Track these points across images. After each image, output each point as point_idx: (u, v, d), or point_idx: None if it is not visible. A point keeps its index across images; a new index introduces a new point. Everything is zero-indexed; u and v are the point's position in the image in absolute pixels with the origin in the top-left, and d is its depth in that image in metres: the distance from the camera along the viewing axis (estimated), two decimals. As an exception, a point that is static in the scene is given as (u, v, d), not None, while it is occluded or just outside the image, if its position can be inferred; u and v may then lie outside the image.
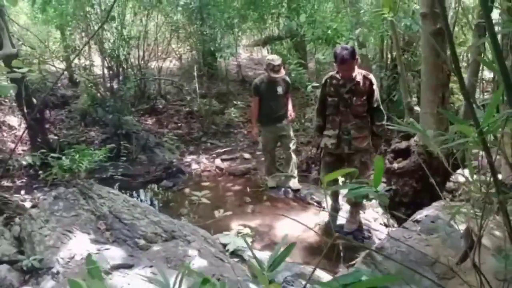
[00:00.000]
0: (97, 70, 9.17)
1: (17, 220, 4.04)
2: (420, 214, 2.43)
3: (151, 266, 3.29)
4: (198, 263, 3.41)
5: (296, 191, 5.51)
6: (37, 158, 5.52)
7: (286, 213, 5.01)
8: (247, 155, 7.19)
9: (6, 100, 8.14)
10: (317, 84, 6.46)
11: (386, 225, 4.28)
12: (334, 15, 9.72)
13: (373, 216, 4.55)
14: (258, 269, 1.01)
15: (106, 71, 8.08)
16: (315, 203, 5.27)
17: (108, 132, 7.49)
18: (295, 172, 5.62)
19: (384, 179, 4.52)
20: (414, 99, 6.17)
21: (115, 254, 3.36)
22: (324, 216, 4.69)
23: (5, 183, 6.45)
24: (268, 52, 12.21)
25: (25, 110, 6.69)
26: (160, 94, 9.83)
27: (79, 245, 3.42)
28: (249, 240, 4.35)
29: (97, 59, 9.25)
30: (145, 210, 4.01)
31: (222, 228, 4.52)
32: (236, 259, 4.01)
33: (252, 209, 5.28)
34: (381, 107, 3.91)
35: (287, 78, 5.48)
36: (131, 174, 6.37)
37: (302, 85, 7.03)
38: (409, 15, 5.40)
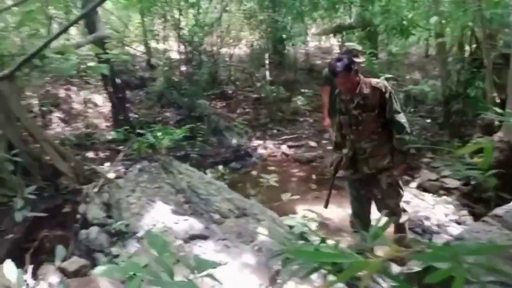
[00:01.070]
0: (173, 55, 9.65)
1: (105, 188, 4.48)
2: (501, 210, 2.39)
3: (224, 239, 3.53)
4: (268, 241, 3.59)
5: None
6: (121, 134, 5.99)
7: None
8: (313, 143, 7.26)
9: (93, 79, 8.86)
10: (390, 76, 6.34)
11: (458, 223, 4.17)
12: (410, 5, 9.35)
13: (444, 212, 4.45)
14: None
15: (181, 56, 8.51)
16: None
17: (182, 113, 7.92)
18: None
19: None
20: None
21: (192, 225, 3.64)
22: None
23: (90, 155, 7.09)
24: (338, 41, 12.05)
25: (110, 89, 7.29)
26: (230, 80, 10.14)
27: (161, 214, 3.74)
28: (314, 225, 4.46)
29: (173, 44, 9.73)
30: (220, 187, 4.25)
31: (288, 211, 4.66)
32: (302, 242, 4.13)
33: (317, 195, 5.37)
34: (399, 117, 3.20)
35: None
36: (203, 154, 6.72)
37: (374, 76, 6.91)
38: (498, 7, 5.09)
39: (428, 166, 5.66)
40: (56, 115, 7.79)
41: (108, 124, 8.06)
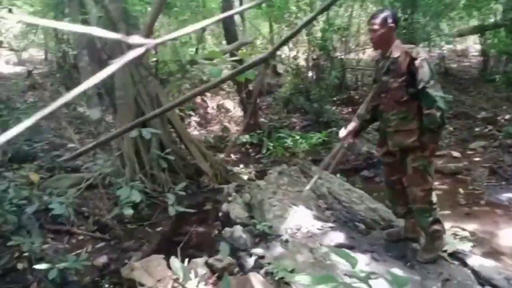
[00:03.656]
0: (300, 61, 9.71)
1: (246, 188, 4.61)
2: None
3: (372, 252, 3.31)
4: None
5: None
6: (255, 138, 6.16)
7: (509, 222, 4.41)
8: (456, 153, 6.55)
9: (226, 85, 9.37)
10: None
11: None
12: None
13: None
14: None
15: (308, 62, 8.49)
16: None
17: (308, 119, 7.87)
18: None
19: None
20: None
21: (337, 233, 3.50)
22: None
23: (222, 157, 7.46)
24: (475, 43, 10.82)
25: (243, 95, 7.60)
26: (357, 85, 9.82)
27: (304, 218, 3.68)
28: (468, 244, 3.98)
29: (300, 50, 9.79)
30: (361, 196, 4.04)
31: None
32: (455, 262, 3.70)
33: (467, 211, 4.80)
34: (432, 90, 2.73)
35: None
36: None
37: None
38: None
39: None
40: (194, 119, 8.42)
41: (238, 128, 8.43)
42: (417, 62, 2.79)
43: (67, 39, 9.62)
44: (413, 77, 2.81)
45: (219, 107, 9.05)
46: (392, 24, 2.90)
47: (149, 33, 4.97)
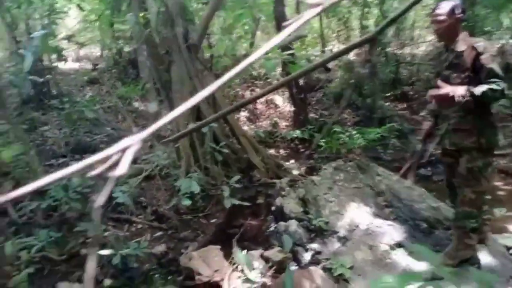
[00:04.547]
0: (351, 56, 9.49)
1: (300, 183, 4.57)
2: None
3: (436, 252, 3.17)
4: (487, 260, 3.10)
5: None
6: (306, 133, 6.10)
7: None
8: (521, 153, 6.15)
9: (275, 80, 9.34)
10: None
11: None
12: None
13: None
14: None
15: (359, 57, 8.28)
16: None
17: (360, 115, 7.68)
18: None
19: None
20: None
21: (397, 231, 3.39)
22: None
23: (272, 152, 7.45)
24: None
25: (294, 90, 7.54)
26: (412, 81, 9.46)
27: (362, 215, 3.59)
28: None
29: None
30: (422, 194, 3.89)
31: (501, 229, 3.99)
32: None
33: (536, 214, 4.49)
34: (494, 85, 2.44)
35: None
36: (384, 159, 6.35)
37: None
38: None
39: None
40: (243, 114, 8.47)
41: (287, 123, 8.38)
42: (483, 58, 2.55)
43: (123, 36, 9.98)
44: (478, 74, 2.58)
45: (268, 102, 9.04)
46: (460, 15, 2.69)
47: (205, 28, 5.04)
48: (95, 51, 14.08)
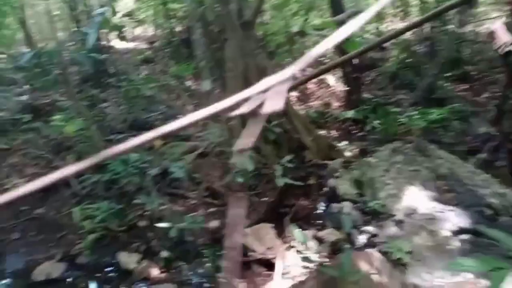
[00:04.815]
0: (407, 35, 9.01)
1: (354, 165, 4.47)
2: None
3: (501, 240, 3.00)
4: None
5: None
6: (360, 114, 5.92)
7: None
8: None
9: (327, 60, 9.11)
10: None
11: None
12: None
13: None
14: None
15: (416, 35, 7.84)
16: None
17: (418, 96, 7.32)
18: None
19: None
20: None
21: (460, 217, 3.23)
22: None
23: (322, 132, 7.31)
24: None
25: (348, 69, 7.32)
26: (475, 60, 8.84)
27: (421, 199, 3.46)
28: None
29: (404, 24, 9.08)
30: (487, 179, 3.67)
31: None
32: None
33: None
34: None
35: None
36: (443, 141, 6.03)
37: None
38: None
39: None
40: (294, 93, 8.34)
41: (339, 104, 8.17)
42: None
43: (176, 15, 10.09)
44: None
45: (320, 82, 8.84)
46: None
47: (259, 5, 4.97)
48: (149, 30, 14.38)
